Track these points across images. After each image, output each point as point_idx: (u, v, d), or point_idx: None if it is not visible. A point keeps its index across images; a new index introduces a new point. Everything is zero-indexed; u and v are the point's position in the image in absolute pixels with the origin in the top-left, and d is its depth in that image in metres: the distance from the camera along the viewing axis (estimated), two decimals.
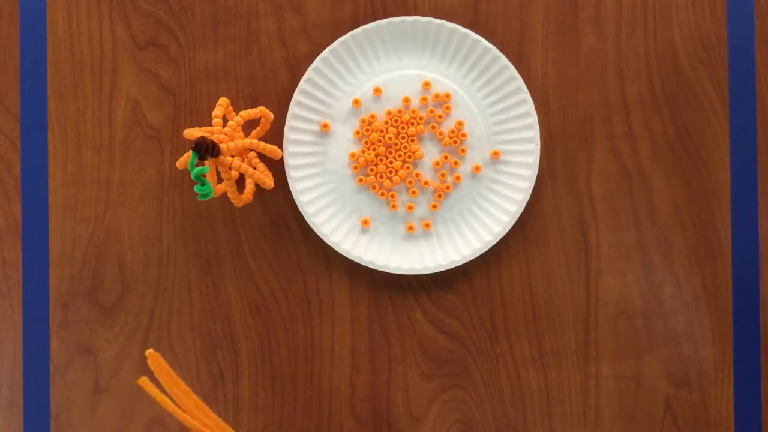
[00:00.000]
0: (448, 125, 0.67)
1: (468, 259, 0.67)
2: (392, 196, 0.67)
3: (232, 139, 0.62)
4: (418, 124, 0.67)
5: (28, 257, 0.70)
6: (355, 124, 0.67)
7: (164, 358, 0.70)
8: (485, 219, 0.67)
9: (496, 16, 0.69)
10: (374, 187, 0.67)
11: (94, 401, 0.70)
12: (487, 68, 0.67)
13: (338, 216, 0.68)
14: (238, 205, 0.65)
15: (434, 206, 0.67)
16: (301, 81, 0.67)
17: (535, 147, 0.67)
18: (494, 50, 0.66)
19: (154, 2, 0.69)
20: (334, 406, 0.70)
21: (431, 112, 0.67)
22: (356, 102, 0.67)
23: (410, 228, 0.67)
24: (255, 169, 0.65)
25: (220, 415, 0.70)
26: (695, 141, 0.69)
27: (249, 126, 0.67)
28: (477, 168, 0.67)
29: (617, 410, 0.70)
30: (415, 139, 0.67)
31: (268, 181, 0.64)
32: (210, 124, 0.63)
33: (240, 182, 0.68)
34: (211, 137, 0.59)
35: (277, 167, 0.67)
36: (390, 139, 0.67)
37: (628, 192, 0.69)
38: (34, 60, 0.70)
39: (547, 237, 0.69)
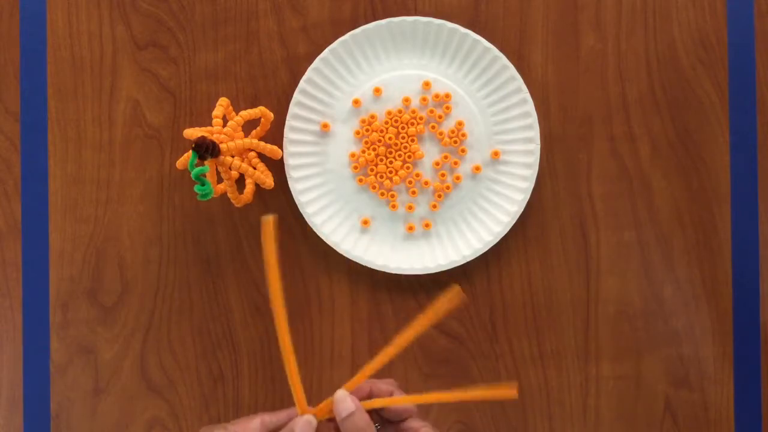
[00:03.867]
0: (448, 125, 0.67)
1: (468, 259, 0.67)
2: (392, 196, 0.67)
3: (232, 139, 0.62)
4: (418, 124, 0.67)
5: (28, 257, 0.70)
6: (355, 124, 0.67)
7: (164, 358, 0.70)
8: (485, 219, 0.67)
9: (496, 16, 0.69)
10: (374, 187, 0.67)
11: (94, 401, 0.70)
12: (487, 68, 0.67)
13: (338, 216, 0.68)
14: (238, 205, 0.65)
15: (434, 206, 0.67)
16: (301, 81, 0.67)
17: (535, 147, 0.66)
18: (494, 50, 0.66)
19: (154, 2, 0.69)
20: None
21: (431, 112, 0.67)
22: (356, 102, 0.67)
23: (410, 228, 0.67)
24: (255, 169, 0.65)
25: (219, 416, 0.70)
26: (695, 141, 0.69)
27: (249, 126, 0.67)
28: (477, 168, 0.67)
29: (617, 410, 0.70)
30: (415, 139, 0.67)
31: (268, 181, 0.64)
32: (210, 124, 0.63)
33: (240, 182, 0.68)
34: (211, 137, 0.59)
35: (277, 167, 0.67)
36: (390, 139, 0.67)
37: (628, 192, 0.69)
38: (34, 60, 0.70)
39: (547, 237, 0.69)
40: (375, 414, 0.54)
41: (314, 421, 0.52)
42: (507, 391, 0.53)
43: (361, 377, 0.53)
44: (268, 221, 0.52)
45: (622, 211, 0.69)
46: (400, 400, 0.54)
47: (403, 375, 0.69)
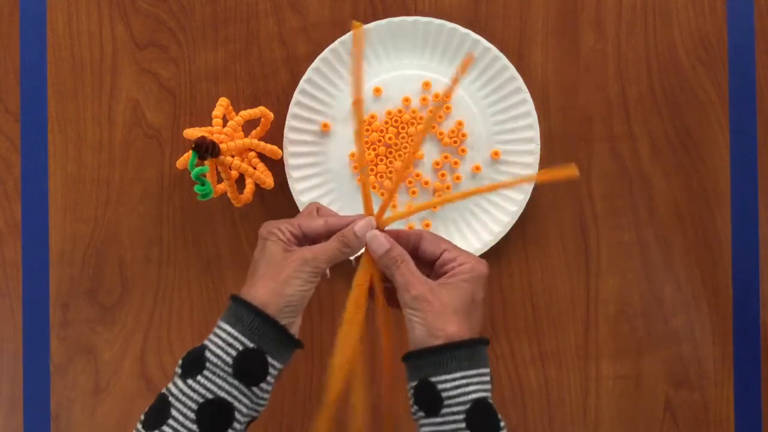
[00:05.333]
0: (448, 125, 0.67)
1: None
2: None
3: (232, 139, 0.62)
4: (418, 124, 0.67)
5: (28, 257, 0.70)
6: None
7: (164, 358, 0.70)
8: (485, 219, 0.67)
9: (496, 16, 0.69)
10: (374, 187, 0.67)
11: (94, 401, 0.70)
12: (487, 68, 0.67)
13: None
14: (238, 205, 0.65)
15: (434, 206, 0.67)
16: (301, 81, 0.67)
17: (535, 147, 0.66)
18: (494, 50, 0.66)
19: (154, 2, 0.69)
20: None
21: (431, 112, 0.67)
22: None
23: (410, 228, 0.67)
24: (255, 169, 0.65)
25: None
26: (695, 141, 0.69)
27: (249, 126, 0.67)
28: (477, 168, 0.67)
29: (617, 410, 0.70)
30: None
31: (268, 181, 0.64)
32: (210, 124, 0.63)
33: (240, 182, 0.68)
34: (211, 137, 0.59)
35: (277, 167, 0.67)
36: (390, 139, 0.67)
37: (628, 192, 0.69)
38: (34, 60, 0.70)
39: (547, 237, 0.69)
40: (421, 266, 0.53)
41: (374, 222, 0.52)
42: (566, 171, 0.52)
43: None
44: (359, 29, 0.51)
45: (622, 211, 0.69)
46: (441, 201, 0.55)
47: (403, 375, 0.69)
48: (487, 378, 0.50)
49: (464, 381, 0.48)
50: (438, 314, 0.49)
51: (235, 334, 0.49)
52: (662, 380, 0.70)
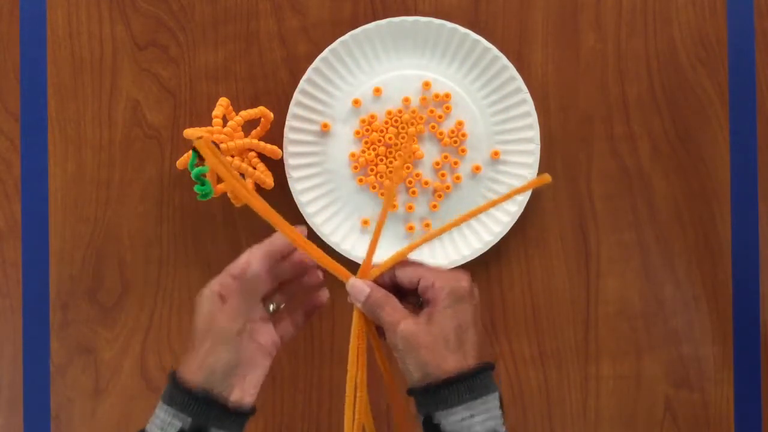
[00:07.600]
0: (448, 125, 0.67)
1: (468, 259, 0.67)
2: None
3: (232, 139, 0.62)
4: (418, 124, 0.67)
5: (28, 257, 0.70)
6: (355, 124, 0.67)
7: (164, 358, 0.70)
8: (485, 219, 0.67)
9: (496, 16, 0.69)
10: (374, 187, 0.67)
11: (94, 401, 0.70)
12: (487, 68, 0.67)
13: (338, 216, 0.68)
14: (238, 205, 0.65)
15: (434, 206, 0.67)
16: (301, 81, 0.67)
17: (535, 147, 0.66)
18: (494, 50, 0.66)
19: (154, 2, 0.69)
20: (334, 406, 0.70)
21: (431, 112, 0.67)
22: (356, 102, 0.67)
23: (410, 228, 0.67)
24: (255, 169, 0.65)
25: None
26: (695, 141, 0.69)
27: (249, 126, 0.67)
28: (477, 168, 0.67)
29: (617, 410, 0.70)
30: (415, 139, 0.67)
31: (268, 181, 0.64)
32: (210, 124, 0.63)
33: None
34: (211, 137, 0.59)
35: (277, 167, 0.67)
36: (390, 139, 0.67)
37: (628, 192, 0.69)
38: (34, 60, 0.70)
39: (547, 237, 0.69)
40: (409, 296, 0.52)
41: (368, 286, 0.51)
42: (540, 179, 0.52)
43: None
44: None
45: (622, 211, 0.69)
46: (419, 242, 0.52)
47: (401, 376, 0.69)
48: (496, 404, 0.48)
49: (468, 414, 0.47)
50: (430, 351, 0.48)
51: (170, 417, 0.47)
52: (662, 380, 0.70)
